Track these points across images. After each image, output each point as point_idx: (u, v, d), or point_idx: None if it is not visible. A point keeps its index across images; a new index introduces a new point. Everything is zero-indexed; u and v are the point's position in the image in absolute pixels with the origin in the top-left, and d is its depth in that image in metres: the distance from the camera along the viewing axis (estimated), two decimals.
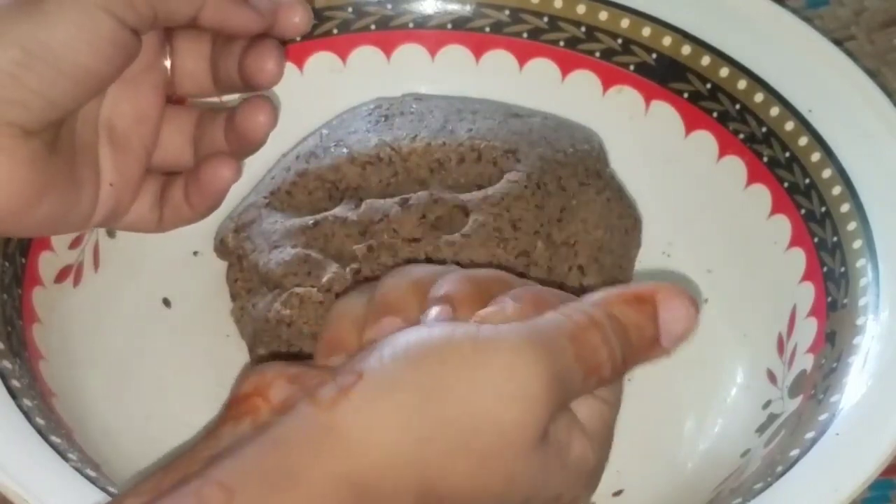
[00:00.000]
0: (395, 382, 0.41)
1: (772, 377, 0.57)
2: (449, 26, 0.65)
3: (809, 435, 0.50)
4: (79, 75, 0.49)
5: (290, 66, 0.54)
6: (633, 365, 0.45)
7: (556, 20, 0.64)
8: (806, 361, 0.55)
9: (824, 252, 0.57)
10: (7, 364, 0.52)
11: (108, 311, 0.60)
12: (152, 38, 0.54)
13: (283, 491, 0.39)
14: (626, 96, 0.64)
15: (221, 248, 0.61)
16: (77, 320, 0.58)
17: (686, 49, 0.62)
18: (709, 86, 0.62)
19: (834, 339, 0.54)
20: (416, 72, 0.65)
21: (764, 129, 0.60)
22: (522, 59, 0.65)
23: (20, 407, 0.50)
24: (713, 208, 0.62)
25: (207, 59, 0.55)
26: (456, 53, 0.65)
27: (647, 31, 0.63)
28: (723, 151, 0.62)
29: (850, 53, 0.62)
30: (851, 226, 0.56)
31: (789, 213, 0.59)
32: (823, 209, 0.57)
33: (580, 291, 0.48)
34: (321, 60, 0.64)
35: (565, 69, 0.64)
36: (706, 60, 0.62)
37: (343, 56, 0.65)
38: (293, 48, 0.62)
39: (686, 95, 0.62)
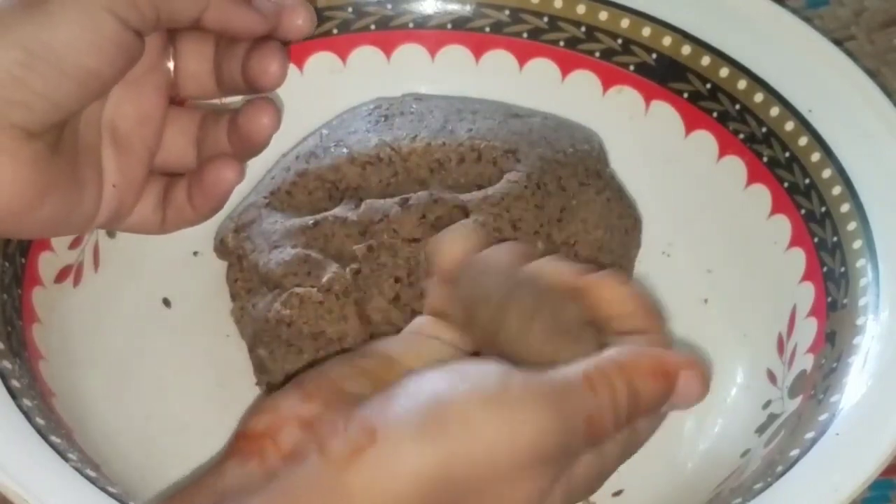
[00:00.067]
0: (410, 448, 0.41)
1: (772, 377, 0.57)
2: (449, 26, 0.65)
3: (809, 435, 0.50)
4: (82, 77, 0.48)
5: (290, 67, 0.54)
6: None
7: (556, 20, 0.64)
8: (806, 361, 0.55)
9: (824, 252, 0.57)
10: (7, 364, 0.52)
11: (108, 311, 0.60)
12: (156, 40, 0.53)
13: None
14: (626, 96, 0.64)
15: (221, 248, 0.61)
16: (77, 320, 0.58)
17: (686, 49, 0.62)
18: (709, 86, 0.62)
19: (834, 339, 0.54)
20: (416, 72, 0.65)
21: (764, 129, 0.60)
22: (522, 59, 0.65)
23: (20, 407, 0.50)
24: (713, 208, 0.62)
25: (211, 60, 0.55)
26: (456, 53, 0.65)
27: (647, 31, 0.63)
28: (723, 151, 0.62)
29: (850, 53, 0.62)
30: (851, 226, 0.56)
31: (789, 213, 0.59)
32: (823, 209, 0.57)
33: None
34: (321, 60, 0.65)
35: (565, 69, 0.64)
36: (706, 60, 0.62)
37: (343, 56, 0.65)
38: (293, 48, 0.62)
39: (686, 95, 0.62)
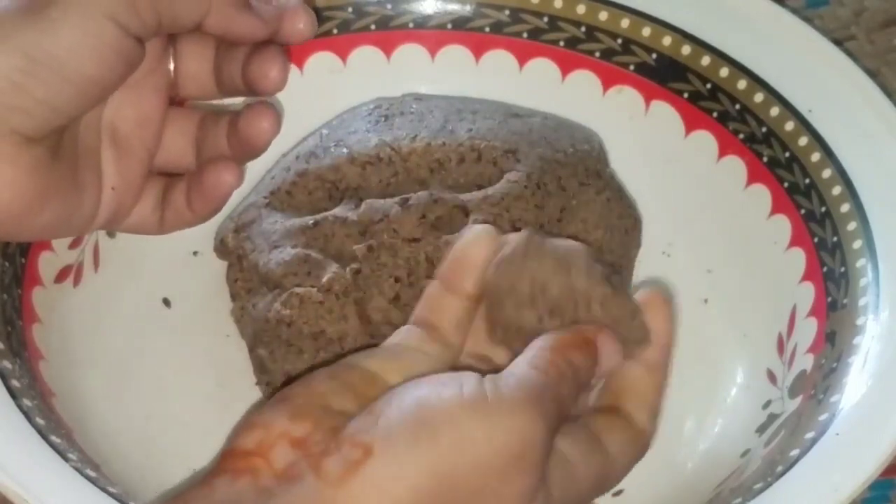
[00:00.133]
0: (405, 462, 0.41)
1: (772, 377, 0.57)
2: (449, 26, 0.65)
3: (809, 435, 0.50)
4: (82, 83, 0.48)
5: (290, 67, 0.54)
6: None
7: (556, 20, 0.64)
8: (806, 361, 0.55)
9: (824, 252, 0.57)
10: (7, 364, 0.52)
11: (108, 311, 0.60)
12: (156, 42, 0.53)
13: None
14: (626, 96, 0.64)
15: (221, 248, 0.61)
16: (77, 320, 0.58)
17: (686, 49, 0.62)
18: (709, 86, 0.62)
19: (834, 339, 0.54)
20: (416, 72, 0.65)
21: (764, 129, 0.60)
22: (522, 59, 0.65)
23: (20, 407, 0.50)
24: (713, 208, 0.62)
25: (211, 61, 0.55)
26: (456, 53, 0.65)
27: (647, 31, 0.63)
28: (723, 151, 0.62)
29: (850, 53, 0.62)
30: (851, 226, 0.56)
31: (789, 213, 0.59)
32: (823, 209, 0.57)
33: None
34: (321, 60, 0.64)
35: (565, 69, 0.64)
36: (706, 60, 0.62)
37: (343, 56, 0.65)
38: (293, 48, 0.62)
39: (686, 95, 0.62)
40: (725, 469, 0.55)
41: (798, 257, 0.58)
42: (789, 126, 0.59)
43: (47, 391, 0.54)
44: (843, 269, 0.56)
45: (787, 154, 0.59)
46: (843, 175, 0.57)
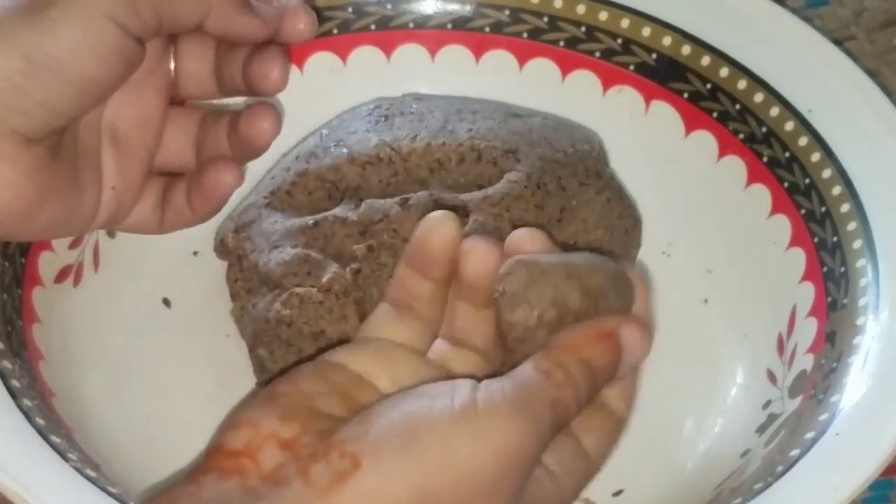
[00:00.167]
0: (392, 476, 0.41)
1: (772, 377, 0.57)
2: (449, 26, 0.65)
3: (809, 435, 0.50)
4: (82, 84, 0.48)
5: (290, 67, 0.54)
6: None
7: (556, 20, 0.64)
8: (806, 361, 0.55)
9: (824, 252, 0.57)
10: (7, 364, 0.52)
11: (108, 311, 0.60)
12: (156, 42, 0.53)
13: None
14: (626, 96, 0.64)
15: (221, 248, 0.61)
16: (77, 320, 0.58)
17: (686, 49, 0.62)
18: (709, 86, 0.62)
19: (834, 339, 0.54)
20: (416, 72, 0.65)
21: (764, 129, 0.60)
22: (522, 59, 0.65)
23: (20, 407, 0.50)
24: (713, 208, 0.62)
25: (211, 61, 0.55)
26: (456, 53, 0.65)
27: (647, 31, 0.63)
28: (723, 151, 0.62)
29: (850, 53, 0.62)
30: (851, 226, 0.56)
31: (789, 213, 0.59)
32: (823, 209, 0.57)
33: None
34: (321, 60, 0.64)
35: (565, 69, 0.64)
36: (706, 60, 0.62)
37: (343, 56, 0.65)
38: (294, 49, 0.62)
39: (686, 95, 0.62)
40: (725, 469, 0.55)
41: (798, 257, 0.58)
42: (789, 126, 0.59)
43: (47, 391, 0.54)
44: (843, 269, 0.56)
45: (787, 154, 0.59)
46: (843, 175, 0.57)
